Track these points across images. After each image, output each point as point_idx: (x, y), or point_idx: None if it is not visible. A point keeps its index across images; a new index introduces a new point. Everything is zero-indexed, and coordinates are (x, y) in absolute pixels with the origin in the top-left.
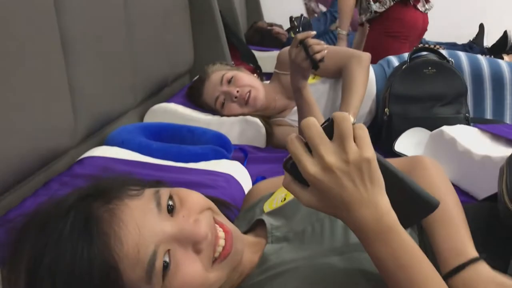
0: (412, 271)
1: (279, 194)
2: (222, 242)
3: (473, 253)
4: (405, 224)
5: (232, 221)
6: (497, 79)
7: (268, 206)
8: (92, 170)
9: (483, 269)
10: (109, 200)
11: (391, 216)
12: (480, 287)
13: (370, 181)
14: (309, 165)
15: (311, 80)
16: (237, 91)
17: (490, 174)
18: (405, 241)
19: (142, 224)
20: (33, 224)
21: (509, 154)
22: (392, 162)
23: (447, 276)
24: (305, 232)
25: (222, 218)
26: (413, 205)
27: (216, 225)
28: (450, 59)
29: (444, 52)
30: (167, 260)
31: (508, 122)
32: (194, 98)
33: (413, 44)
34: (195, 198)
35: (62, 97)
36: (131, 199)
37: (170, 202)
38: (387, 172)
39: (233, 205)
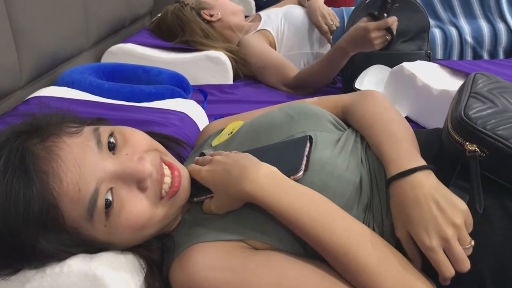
0: (310, 212)
1: (226, 130)
2: (168, 179)
3: (422, 161)
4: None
5: (184, 158)
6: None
7: (216, 141)
8: (39, 109)
9: (432, 177)
10: (46, 137)
11: (275, 170)
12: (421, 192)
13: (245, 155)
14: (203, 170)
15: None
16: None
17: (447, 108)
18: (297, 185)
19: (82, 161)
20: None
21: None
22: (344, 96)
23: (394, 178)
24: None
25: (170, 158)
26: (289, 153)
27: (163, 164)
28: None
29: None
30: (110, 198)
31: None
32: (165, 34)
33: None
34: (139, 137)
35: (2, 35)
36: (70, 137)
37: (111, 140)
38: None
39: (186, 142)
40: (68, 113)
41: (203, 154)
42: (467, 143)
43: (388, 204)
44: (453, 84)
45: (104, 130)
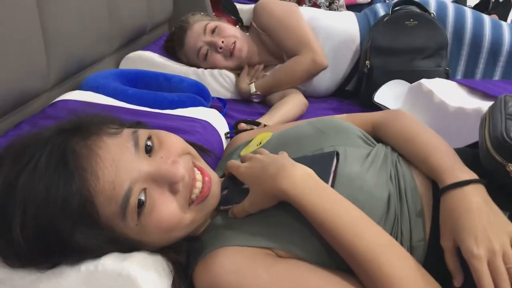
0: (342, 216)
1: (255, 140)
2: (199, 184)
3: (475, 175)
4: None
5: (209, 165)
6: (478, 22)
7: (245, 151)
8: (64, 113)
9: (484, 192)
10: (87, 136)
11: (312, 172)
12: (474, 203)
13: (283, 156)
14: (242, 166)
15: None
16: (222, 42)
17: (463, 126)
18: (331, 190)
19: (118, 161)
20: (8, 154)
21: (482, 106)
22: (374, 114)
23: (450, 187)
24: None
25: (201, 163)
26: (315, 167)
27: (195, 168)
28: (431, 11)
29: (432, 1)
30: (143, 198)
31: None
32: (173, 50)
33: None
34: (174, 141)
35: (34, 39)
36: (109, 137)
37: (149, 143)
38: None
39: (210, 150)
40: (109, 114)
41: None
42: (509, 164)
43: (418, 220)
44: (469, 102)
45: (142, 133)
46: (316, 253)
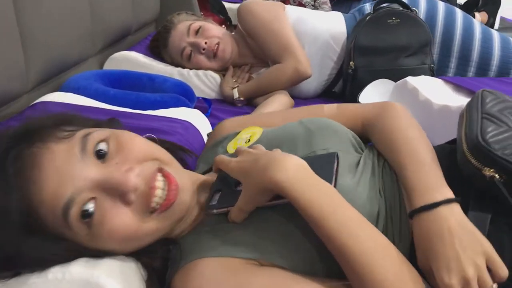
0: (337, 214)
1: (244, 134)
2: (159, 193)
3: (449, 193)
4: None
5: (189, 166)
6: (468, 35)
7: (232, 146)
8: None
9: (459, 211)
10: (32, 143)
11: (305, 164)
12: (446, 227)
13: (276, 150)
14: (232, 161)
15: None
16: (205, 43)
17: (448, 124)
18: (326, 184)
19: (62, 169)
20: None
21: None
22: (364, 107)
23: (416, 211)
24: None
25: (171, 169)
26: (316, 168)
27: (159, 174)
28: (413, 8)
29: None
30: (91, 208)
31: None
32: (157, 50)
33: None
34: (137, 145)
35: (10, 39)
36: (57, 143)
37: (101, 147)
38: None
39: (190, 150)
40: (68, 115)
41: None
42: (485, 168)
43: (401, 237)
44: (454, 99)
45: (95, 136)
46: (302, 264)
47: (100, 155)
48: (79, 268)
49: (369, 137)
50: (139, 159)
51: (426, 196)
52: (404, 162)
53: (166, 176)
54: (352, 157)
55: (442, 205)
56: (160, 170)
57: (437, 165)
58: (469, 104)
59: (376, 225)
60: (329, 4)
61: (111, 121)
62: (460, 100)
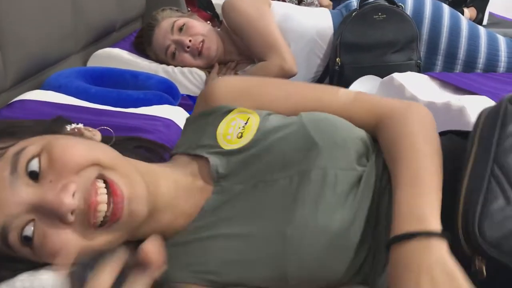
0: None
1: (237, 119)
2: (103, 207)
3: (435, 225)
4: None
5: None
6: (454, 32)
7: (222, 136)
8: (22, 114)
9: (439, 247)
10: None
11: None
12: (416, 262)
13: None
14: None
15: None
16: (190, 41)
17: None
18: None
19: None
20: None
21: (452, 100)
22: (385, 102)
23: (394, 241)
24: (264, 186)
25: (117, 174)
26: None
27: (100, 182)
28: (399, 4)
29: None
30: (29, 232)
31: None
32: (142, 47)
33: None
34: (70, 155)
35: None
36: None
37: (34, 166)
38: None
39: (171, 149)
40: (9, 123)
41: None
42: (478, 257)
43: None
44: (440, 96)
45: (27, 153)
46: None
47: (33, 175)
48: (48, 275)
49: (377, 138)
50: (75, 170)
51: (407, 225)
52: (400, 180)
53: (110, 185)
54: (353, 176)
55: (419, 238)
56: (101, 176)
57: (437, 191)
58: (483, 127)
59: (358, 271)
60: (316, 3)
61: (55, 122)
62: (446, 97)
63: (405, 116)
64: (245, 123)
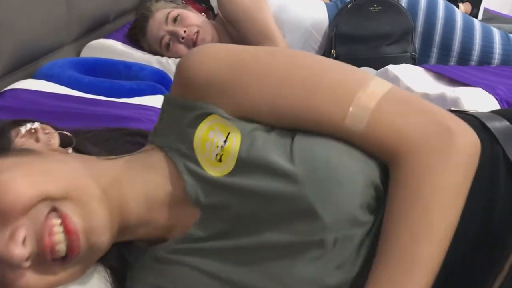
0: None
1: (216, 132)
2: (60, 247)
3: None
4: None
5: None
6: (449, 24)
7: (199, 148)
8: (14, 103)
9: None
10: None
11: None
12: None
13: None
14: None
15: None
16: (184, 31)
17: None
18: None
19: None
20: None
21: (446, 91)
22: (401, 135)
23: None
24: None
25: (71, 205)
26: None
27: (54, 217)
28: None
29: None
30: None
31: None
32: (136, 38)
33: None
34: (13, 197)
35: None
36: None
37: None
38: None
39: None
40: None
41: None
42: None
43: None
44: (434, 87)
45: None
46: None
47: None
48: None
49: (390, 174)
50: (22, 212)
51: None
52: (386, 256)
53: (63, 219)
54: (357, 235)
55: None
56: (54, 209)
57: (431, 273)
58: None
59: None
60: None
61: (2, 131)
62: (440, 88)
63: (433, 157)
64: (224, 141)
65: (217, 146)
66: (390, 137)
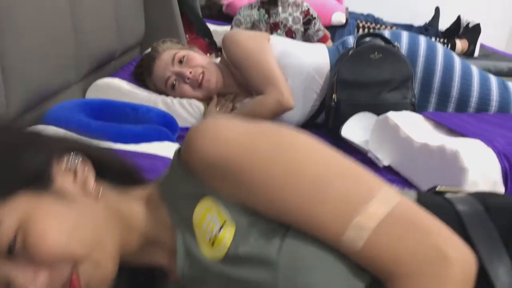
0: None
1: (213, 215)
2: None
3: None
4: None
5: None
6: (448, 71)
7: (197, 225)
8: None
9: None
10: None
11: None
12: None
13: None
14: None
15: None
16: (190, 72)
17: (428, 162)
18: None
19: None
20: None
21: (446, 143)
22: (399, 262)
23: None
24: None
25: (87, 265)
26: None
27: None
28: (395, 43)
29: (404, 35)
30: None
31: None
32: (141, 77)
33: None
34: (45, 248)
35: None
36: None
37: (9, 243)
38: None
39: None
40: None
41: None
42: None
43: None
44: (435, 137)
45: (3, 231)
46: None
47: (10, 248)
48: None
49: None
50: (48, 263)
51: None
52: None
53: (74, 279)
54: None
55: None
56: (73, 271)
57: None
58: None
59: None
60: (322, 28)
61: (47, 163)
62: (440, 139)
63: (428, 282)
64: (220, 229)
65: (212, 231)
66: (387, 259)
